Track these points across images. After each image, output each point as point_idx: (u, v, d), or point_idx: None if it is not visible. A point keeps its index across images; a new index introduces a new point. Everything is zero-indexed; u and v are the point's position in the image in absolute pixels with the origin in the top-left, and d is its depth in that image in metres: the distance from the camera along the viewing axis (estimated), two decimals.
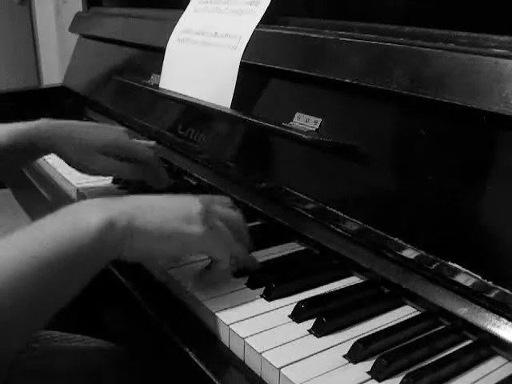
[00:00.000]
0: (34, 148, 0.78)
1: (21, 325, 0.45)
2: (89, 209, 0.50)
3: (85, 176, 0.82)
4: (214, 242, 0.54)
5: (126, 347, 0.73)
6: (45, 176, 0.98)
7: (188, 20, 0.95)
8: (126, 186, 0.84)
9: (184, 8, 0.97)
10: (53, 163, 0.96)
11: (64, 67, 1.66)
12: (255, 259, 0.61)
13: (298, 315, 0.52)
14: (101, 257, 0.49)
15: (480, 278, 0.49)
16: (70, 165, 0.78)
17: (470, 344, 0.50)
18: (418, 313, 0.54)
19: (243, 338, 0.48)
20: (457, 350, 0.48)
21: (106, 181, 0.88)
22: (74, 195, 0.85)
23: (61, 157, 0.78)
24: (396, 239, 0.55)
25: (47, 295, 0.46)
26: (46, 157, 1.00)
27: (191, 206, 0.54)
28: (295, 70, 0.71)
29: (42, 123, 0.78)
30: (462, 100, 0.51)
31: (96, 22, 1.37)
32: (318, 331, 0.50)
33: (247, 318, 0.52)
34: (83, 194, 0.83)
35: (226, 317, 0.51)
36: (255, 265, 0.60)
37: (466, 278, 0.50)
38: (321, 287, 0.58)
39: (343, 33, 0.68)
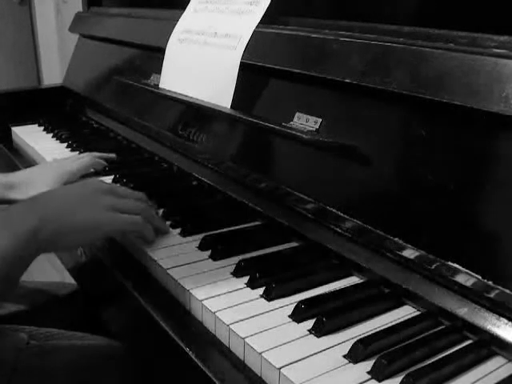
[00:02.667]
0: None
1: None
2: (19, 217, 0.58)
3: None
4: (130, 221, 0.63)
5: (124, 344, 0.74)
6: None
7: (188, 20, 0.95)
8: (125, 186, 0.84)
9: (184, 8, 0.97)
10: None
11: (64, 67, 1.66)
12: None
13: (298, 315, 0.52)
14: (27, 254, 0.56)
15: (480, 278, 0.49)
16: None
17: (470, 344, 0.50)
18: (418, 313, 0.54)
19: (243, 338, 0.48)
20: (457, 350, 0.48)
21: (106, 181, 0.88)
22: None
23: None
24: (396, 239, 0.55)
25: None
26: (44, 155, 1.01)
27: (100, 193, 0.64)
28: (295, 70, 0.71)
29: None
30: (461, 100, 0.51)
31: (96, 22, 1.37)
32: (318, 331, 0.50)
33: (247, 318, 0.52)
34: None
35: (226, 316, 0.51)
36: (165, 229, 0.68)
37: (465, 278, 0.50)
38: (321, 287, 0.58)
39: (343, 33, 0.68)
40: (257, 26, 0.79)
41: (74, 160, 0.90)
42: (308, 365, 0.46)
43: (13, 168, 1.08)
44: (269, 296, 0.55)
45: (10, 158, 1.10)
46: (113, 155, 0.97)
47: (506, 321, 0.47)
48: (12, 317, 0.85)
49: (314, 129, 0.67)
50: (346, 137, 0.63)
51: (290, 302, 0.54)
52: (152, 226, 0.66)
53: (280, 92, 0.76)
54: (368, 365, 0.45)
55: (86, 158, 0.90)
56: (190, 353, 0.49)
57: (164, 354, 0.57)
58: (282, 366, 0.45)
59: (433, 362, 0.46)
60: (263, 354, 0.46)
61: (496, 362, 0.48)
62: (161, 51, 0.97)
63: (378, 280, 0.58)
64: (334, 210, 0.62)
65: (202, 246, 0.65)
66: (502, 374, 0.46)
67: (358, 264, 0.59)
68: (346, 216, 0.61)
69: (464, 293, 0.50)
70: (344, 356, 0.47)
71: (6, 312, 0.86)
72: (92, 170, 0.91)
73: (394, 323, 0.52)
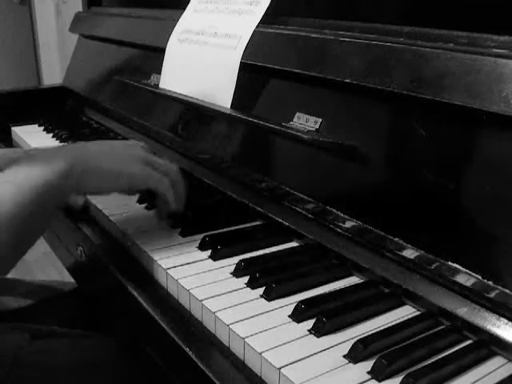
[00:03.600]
0: None
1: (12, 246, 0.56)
2: (54, 157, 0.62)
3: None
4: (155, 177, 0.66)
5: (124, 343, 0.74)
6: None
7: (188, 20, 0.95)
8: None
9: (184, 8, 0.97)
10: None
11: (64, 67, 1.66)
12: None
13: (297, 315, 0.52)
14: (63, 190, 0.62)
15: (480, 278, 0.49)
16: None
17: (470, 344, 0.50)
18: (418, 313, 0.54)
19: (243, 338, 0.48)
20: (457, 350, 0.48)
21: None
22: None
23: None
24: (396, 239, 0.55)
25: (30, 221, 0.58)
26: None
27: (134, 151, 0.67)
28: (295, 70, 0.71)
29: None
30: (461, 100, 0.51)
31: (96, 22, 1.37)
32: (318, 331, 0.50)
33: (247, 318, 0.52)
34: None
35: (226, 316, 0.51)
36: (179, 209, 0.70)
37: (465, 278, 0.50)
38: (321, 287, 0.58)
39: (343, 33, 0.68)
40: (257, 26, 0.79)
41: None
42: (308, 365, 0.46)
43: None
44: (269, 296, 0.55)
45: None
46: None
47: (506, 321, 0.47)
48: (11, 314, 0.85)
49: (314, 129, 0.67)
50: (345, 137, 0.63)
51: (289, 302, 0.54)
52: (175, 194, 0.68)
53: (280, 92, 0.76)
54: (368, 365, 0.45)
55: None
56: (190, 353, 0.49)
57: (164, 354, 0.57)
58: (282, 366, 0.45)
59: (433, 362, 0.46)
60: (263, 354, 0.46)
61: (496, 362, 0.48)
62: (161, 51, 0.97)
63: (378, 280, 0.58)
64: (334, 210, 0.62)
65: (201, 246, 0.65)
66: (502, 374, 0.46)
67: (357, 264, 0.59)
68: (346, 216, 0.61)
69: (464, 293, 0.50)
70: (344, 356, 0.47)
71: (5, 309, 0.86)
72: None
73: (393, 323, 0.52)
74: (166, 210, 0.70)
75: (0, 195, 0.55)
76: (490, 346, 0.48)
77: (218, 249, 0.63)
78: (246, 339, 0.48)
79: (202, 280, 0.58)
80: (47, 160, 0.61)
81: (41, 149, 0.65)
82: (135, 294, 0.59)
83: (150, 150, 0.72)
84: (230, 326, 0.50)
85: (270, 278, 0.57)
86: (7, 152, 0.84)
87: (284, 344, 0.48)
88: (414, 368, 0.45)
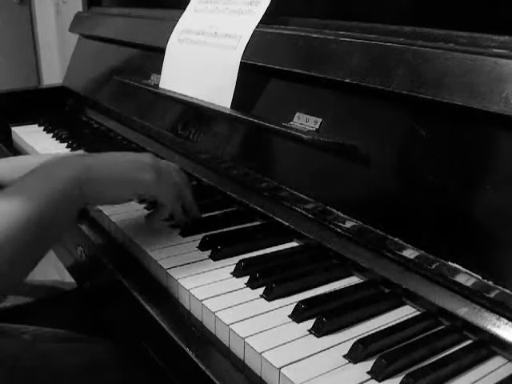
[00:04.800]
0: None
1: (23, 257, 0.55)
2: (61, 166, 0.62)
3: None
4: (161, 188, 0.66)
5: (126, 345, 0.74)
6: None
7: (188, 20, 0.95)
8: None
9: (184, 8, 0.97)
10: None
11: (64, 67, 1.66)
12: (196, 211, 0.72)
13: (298, 315, 0.52)
14: (72, 200, 0.61)
15: (480, 278, 0.49)
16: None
17: (470, 344, 0.50)
18: (418, 313, 0.54)
19: (243, 338, 0.48)
20: (457, 350, 0.48)
21: None
22: None
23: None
24: (396, 239, 0.55)
25: (40, 231, 0.56)
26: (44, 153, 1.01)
27: (142, 159, 0.67)
28: (295, 70, 0.71)
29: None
30: (461, 100, 0.51)
31: (96, 21, 1.37)
32: (318, 331, 0.50)
33: (247, 318, 0.52)
34: None
35: (226, 316, 0.51)
36: (197, 214, 0.72)
37: (466, 278, 0.50)
38: (321, 287, 0.58)
39: (343, 33, 0.68)
40: (257, 26, 0.79)
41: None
42: (308, 365, 0.46)
43: None
44: (269, 296, 0.55)
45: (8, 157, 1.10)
46: None
47: (506, 321, 0.47)
48: (11, 314, 0.85)
49: (314, 129, 0.67)
50: (346, 137, 0.63)
51: (289, 302, 0.54)
52: (182, 205, 0.69)
53: (280, 92, 0.76)
54: (368, 365, 0.45)
55: None
56: (190, 353, 0.49)
57: (164, 355, 0.57)
58: (282, 366, 0.45)
59: (433, 362, 0.46)
60: (263, 354, 0.46)
61: (496, 362, 0.48)
62: (161, 51, 0.97)
63: (378, 280, 0.58)
64: (334, 210, 0.62)
65: (202, 246, 0.65)
66: (502, 374, 0.46)
67: (357, 264, 0.59)
68: (346, 216, 0.61)
69: (464, 293, 0.50)
70: (344, 356, 0.47)
71: (5, 308, 0.86)
72: None
73: (393, 323, 0.52)
74: (159, 218, 0.69)
75: (4, 211, 0.53)
76: (490, 345, 0.48)
77: (218, 249, 0.63)
78: (245, 339, 0.48)
79: (202, 280, 0.58)
80: (54, 169, 0.61)
81: (49, 158, 0.64)
82: (135, 294, 0.59)
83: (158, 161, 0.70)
84: (230, 326, 0.50)
85: (270, 278, 0.57)
86: (19, 160, 0.86)
87: (284, 344, 0.48)
88: (414, 368, 0.45)
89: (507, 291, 0.47)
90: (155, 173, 0.65)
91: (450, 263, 0.51)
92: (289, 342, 0.48)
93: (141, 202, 0.78)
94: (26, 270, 0.57)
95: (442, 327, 0.52)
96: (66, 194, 0.59)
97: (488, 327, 0.48)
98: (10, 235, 0.52)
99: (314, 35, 0.70)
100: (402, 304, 0.55)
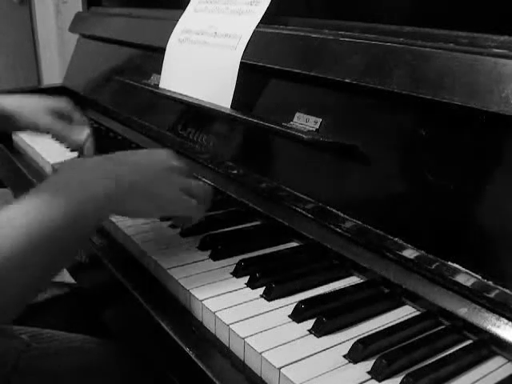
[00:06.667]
0: None
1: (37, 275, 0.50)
2: (94, 177, 0.56)
3: None
4: (194, 209, 0.62)
5: (124, 345, 0.74)
6: (43, 175, 0.98)
7: (188, 20, 0.95)
8: None
9: (184, 8, 0.97)
10: (53, 163, 0.96)
11: (64, 67, 1.66)
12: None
13: (297, 315, 0.52)
14: (102, 213, 0.57)
15: (480, 277, 0.49)
16: None
17: (470, 344, 0.50)
18: (418, 313, 0.54)
19: (243, 338, 0.48)
20: (457, 350, 0.48)
21: None
22: None
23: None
24: (396, 239, 0.55)
25: (60, 248, 0.51)
26: (45, 155, 1.01)
27: (172, 170, 0.62)
28: (295, 70, 0.71)
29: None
30: (461, 100, 0.51)
31: (96, 21, 1.37)
32: (318, 331, 0.50)
33: (247, 318, 0.52)
34: None
35: (226, 316, 0.51)
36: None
37: (466, 278, 0.50)
38: (321, 287, 0.58)
39: (343, 33, 0.68)
40: (257, 26, 0.79)
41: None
42: (308, 365, 0.46)
43: (13, 168, 1.08)
44: (269, 296, 0.55)
45: (11, 159, 1.10)
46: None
47: (506, 321, 0.47)
48: None
49: (314, 129, 0.67)
50: (345, 137, 0.63)
51: (290, 302, 0.54)
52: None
53: (280, 92, 0.76)
54: (368, 365, 0.46)
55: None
56: (190, 353, 0.49)
57: (163, 355, 0.57)
58: (282, 366, 0.45)
59: (433, 362, 0.46)
60: (263, 354, 0.46)
61: (496, 361, 0.48)
62: (161, 51, 0.97)
63: (378, 280, 0.58)
64: (334, 210, 0.62)
65: (202, 246, 0.65)
66: (502, 374, 0.46)
67: (357, 264, 0.59)
68: (346, 216, 0.61)
69: (464, 293, 0.50)
70: (344, 356, 0.47)
71: None
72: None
73: (393, 323, 0.52)
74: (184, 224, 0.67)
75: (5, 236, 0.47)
76: (490, 345, 0.48)
77: (218, 249, 0.63)
78: (245, 339, 0.48)
79: (201, 280, 0.58)
80: (84, 186, 0.55)
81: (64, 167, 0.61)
82: (135, 293, 0.59)
83: (184, 167, 0.65)
84: (230, 326, 0.50)
85: (270, 278, 0.57)
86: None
87: (284, 344, 0.48)
88: (414, 368, 0.45)
89: (507, 291, 0.47)
90: (185, 190, 0.61)
91: (449, 263, 0.51)
92: (289, 341, 0.48)
93: None
94: (37, 289, 0.53)
95: (442, 327, 0.52)
96: (99, 211, 0.55)
97: (488, 327, 0.48)
98: (17, 259, 0.47)
99: (314, 35, 0.70)
100: (402, 304, 0.55)
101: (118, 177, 0.57)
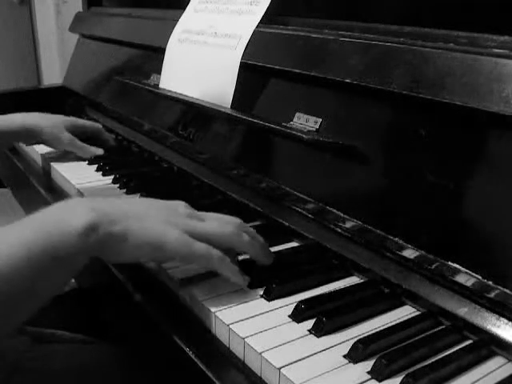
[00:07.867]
0: None
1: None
2: (74, 210, 0.51)
3: (84, 175, 0.86)
4: (189, 255, 0.53)
5: (126, 347, 0.74)
6: (42, 174, 0.98)
7: (188, 20, 0.95)
8: (126, 185, 0.84)
9: (184, 8, 0.97)
10: (53, 164, 0.96)
11: (64, 67, 1.66)
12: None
13: (297, 315, 0.52)
14: (81, 256, 0.51)
15: (480, 277, 0.49)
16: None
17: (470, 344, 0.50)
18: (418, 313, 0.54)
19: (243, 338, 0.48)
20: (457, 350, 0.48)
21: (106, 180, 0.88)
22: (73, 194, 0.85)
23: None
24: (396, 239, 0.55)
25: (29, 290, 0.48)
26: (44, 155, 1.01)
27: (176, 209, 0.56)
28: (295, 70, 0.71)
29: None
30: (462, 100, 0.51)
31: (96, 21, 1.37)
32: (318, 331, 0.50)
33: (247, 318, 0.52)
34: (82, 194, 0.83)
35: (225, 317, 0.51)
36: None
37: (466, 278, 0.50)
38: (321, 287, 0.58)
39: (343, 33, 0.68)
40: (257, 26, 0.79)
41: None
42: (308, 365, 0.46)
43: (13, 168, 1.08)
44: (269, 296, 0.55)
45: (10, 158, 1.10)
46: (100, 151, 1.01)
47: (506, 321, 0.47)
48: None
49: (314, 129, 0.67)
50: (345, 137, 0.63)
51: (290, 302, 0.54)
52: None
53: (280, 92, 0.76)
54: (368, 365, 0.45)
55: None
56: (190, 353, 0.49)
57: (163, 354, 0.57)
58: (282, 366, 0.45)
59: (433, 362, 0.46)
60: (263, 354, 0.46)
61: (496, 361, 0.48)
62: (161, 51, 0.97)
63: (378, 280, 0.58)
64: (334, 210, 0.62)
65: None
66: (502, 374, 0.46)
67: (357, 264, 0.59)
68: (346, 216, 0.61)
69: (464, 293, 0.50)
70: (344, 356, 0.47)
71: None
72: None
73: (393, 323, 0.52)
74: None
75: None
76: (490, 345, 0.48)
77: None
78: (245, 339, 0.48)
79: (201, 280, 0.58)
80: (63, 214, 0.50)
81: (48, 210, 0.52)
82: (136, 294, 0.59)
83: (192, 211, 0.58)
84: (230, 326, 0.50)
85: (270, 278, 0.57)
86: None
87: (284, 344, 0.48)
88: (414, 368, 0.45)
89: (507, 291, 0.47)
90: (187, 232, 0.54)
91: (450, 263, 0.51)
92: (289, 342, 0.48)
93: None
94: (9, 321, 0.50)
95: (442, 327, 0.52)
96: (76, 247, 0.49)
97: (488, 327, 0.48)
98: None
99: (314, 35, 0.70)
100: (402, 304, 0.55)
101: (103, 212, 0.51)
